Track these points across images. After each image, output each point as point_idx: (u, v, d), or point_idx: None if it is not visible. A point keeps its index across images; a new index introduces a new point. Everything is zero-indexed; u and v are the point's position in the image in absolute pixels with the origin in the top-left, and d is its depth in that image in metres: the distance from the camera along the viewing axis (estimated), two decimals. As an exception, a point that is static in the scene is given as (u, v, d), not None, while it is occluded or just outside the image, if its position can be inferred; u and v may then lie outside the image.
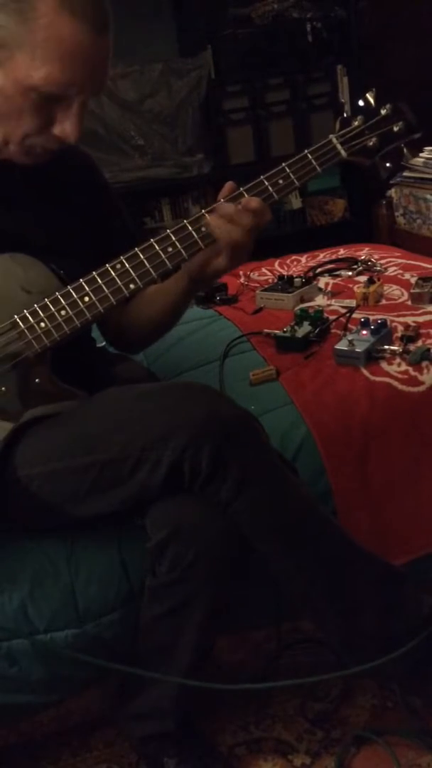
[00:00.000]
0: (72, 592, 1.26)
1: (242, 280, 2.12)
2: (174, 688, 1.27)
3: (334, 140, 1.24)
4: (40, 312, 1.21)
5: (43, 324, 1.21)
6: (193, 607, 1.21)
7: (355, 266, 2.09)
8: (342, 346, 1.55)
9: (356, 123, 1.25)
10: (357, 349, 1.53)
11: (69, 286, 1.21)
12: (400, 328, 1.64)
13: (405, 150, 1.27)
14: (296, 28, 3.34)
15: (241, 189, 1.23)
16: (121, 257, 1.21)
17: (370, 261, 2.12)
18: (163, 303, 1.38)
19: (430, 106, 1.58)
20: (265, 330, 1.72)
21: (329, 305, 1.83)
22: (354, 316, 1.71)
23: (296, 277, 1.96)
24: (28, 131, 1.17)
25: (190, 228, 1.21)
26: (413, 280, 1.89)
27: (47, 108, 1.15)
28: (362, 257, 2.16)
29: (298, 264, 2.26)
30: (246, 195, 1.22)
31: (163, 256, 1.21)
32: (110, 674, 1.31)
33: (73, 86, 1.13)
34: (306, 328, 1.65)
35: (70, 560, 1.27)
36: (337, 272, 2.09)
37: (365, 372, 1.51)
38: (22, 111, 1.15)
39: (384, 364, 1.52)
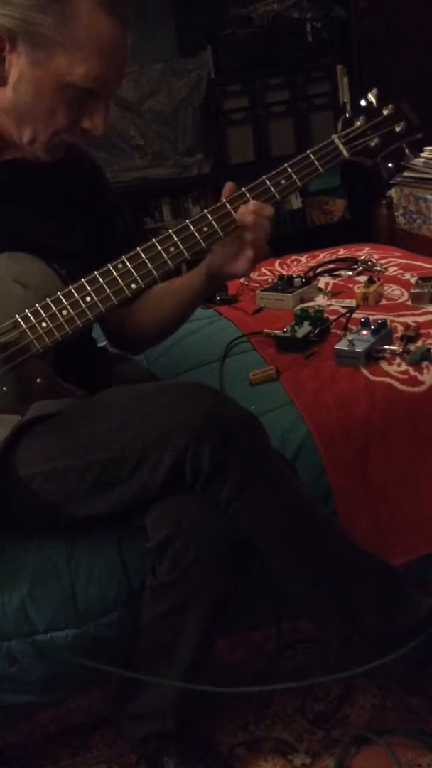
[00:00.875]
0: (72, 592, 1.26)
1: (242, 280, 2.11)
2: (174, 689, 1.27)
3: (337, 140, 1.25)
4: (42, 311, 1.21)
5: (44, 324, 1.21)
6: (193, 607, 1.20)
7: (355, 266, 2.09)
8: (342, 346, 1.55)
9: (358, 123, 1.25)
10: (357, 349, 1.53)
11: (71, 286, 1.21)
12: (400, 328, 1.64)
13: (406, 150, 1.27)
14: (296, 28, 3.34)
15: (243, 189, 1.23)
16: (123, 257, 1.21)
17: (370, 261, 2.12)
18: (173, 302, 1.39)
19: (430, 106, 1.58)
20: (265, 330, 1.72)
21: (329, 305, 1.83)
22: (354, 316, 1.71)
23: (296, 277, 1.96)
24: (59, 127, 1.19)
25: (192, 228, 1.22)
26: (413, 280, 1.90)
27: (79, 103, 1.18)
28: (362, 257, 2.16)
29: (298, 264, 2.26)
30: (248, 195, 1.22)
31: (165, 256, 1.22)
32: (110, 674, 1.31)
33: (107, 80, 1.17)
34: (306, 328, 1.65)
35: (70, 560, 1.27)
36: (337, 272, 2.09)
37: (365, 372, 1.51)
38: (56, 108, 1.17)
39: (384, 364, 1.52)
